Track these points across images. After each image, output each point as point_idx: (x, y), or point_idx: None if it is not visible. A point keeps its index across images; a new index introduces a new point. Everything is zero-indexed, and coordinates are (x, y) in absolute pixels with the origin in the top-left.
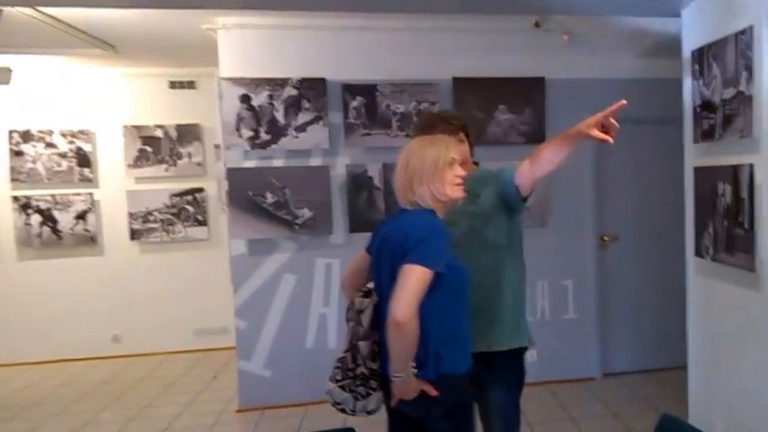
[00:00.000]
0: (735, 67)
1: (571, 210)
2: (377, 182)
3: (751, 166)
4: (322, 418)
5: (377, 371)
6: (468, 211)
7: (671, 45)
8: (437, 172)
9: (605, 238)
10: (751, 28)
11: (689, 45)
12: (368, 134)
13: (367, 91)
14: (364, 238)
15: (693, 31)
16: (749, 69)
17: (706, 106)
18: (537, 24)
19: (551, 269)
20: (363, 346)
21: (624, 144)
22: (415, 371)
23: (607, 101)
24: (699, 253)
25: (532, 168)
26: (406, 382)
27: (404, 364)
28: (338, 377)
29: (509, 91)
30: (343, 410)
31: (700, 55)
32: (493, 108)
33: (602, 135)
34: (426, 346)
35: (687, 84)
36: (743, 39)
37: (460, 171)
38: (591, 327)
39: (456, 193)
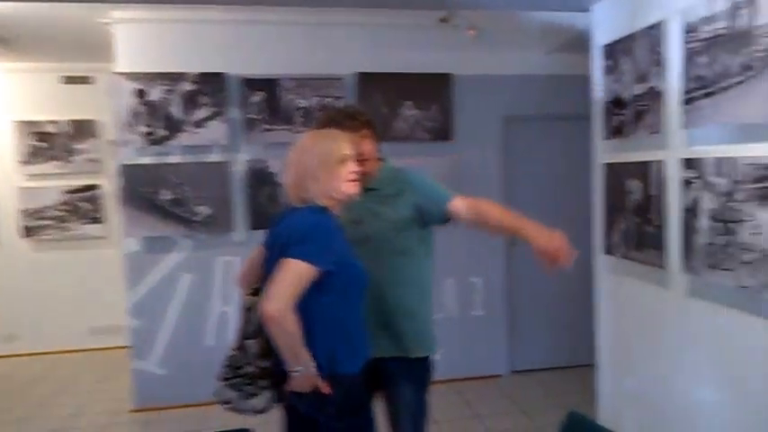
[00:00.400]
0: (646, 62)
1: None
2: (279, 178)
3: (660, 162)
4: (220, 418)
5: (267, 369)
6: (374, 211)
7: (581, 41)
8: (330, 169)
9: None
10: (661, 23)
11: (599, 40)
12: (269, 130)
13: (268, 86)
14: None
15: (603, 27)
16: (660, 64)
17: (616, 102)
18: (443, 20)
19: (460, 266)
20: (252, 344)
21: (534, 141)
22: (314, 365)
23: (516, 97)
24: (608, 250)
25: (471, 218)
26: (303, 375)
27: (293, 358)
28: (227, 375)
29: (415, 87)
30: (232, 409)
31: (610, 50)
32: (398, 104)
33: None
34: (319, 344)
35: (597, 80)
36: (654, 34)
37: (354, 167)
38: (499, 324)
39: (350, 189)
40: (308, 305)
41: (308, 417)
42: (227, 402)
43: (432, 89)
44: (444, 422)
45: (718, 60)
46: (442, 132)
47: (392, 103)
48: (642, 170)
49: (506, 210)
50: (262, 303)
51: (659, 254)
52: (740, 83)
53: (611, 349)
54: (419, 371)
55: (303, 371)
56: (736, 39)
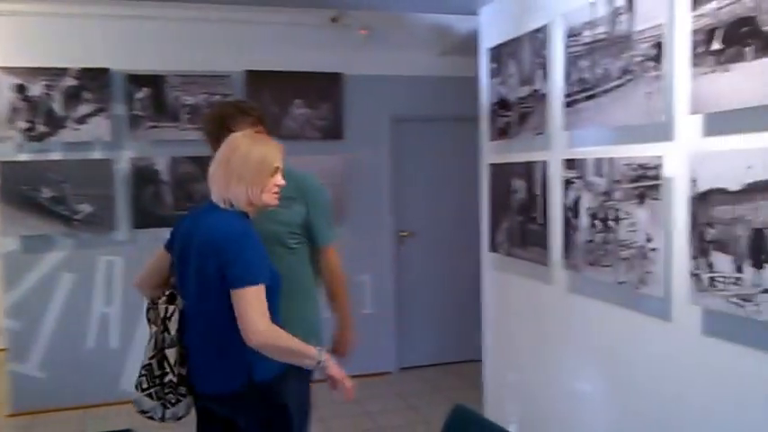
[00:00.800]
0: (530, 65)
1: (369, 206)
2: (164, 176)
3: (544, 162)
4: (102, 419)
5: (184, 376)
6: (272, 217)
7: (470, 43)
8: (259, 177)
9: (403, 233)
10: (546, 27)
11: (486, 43)
12: (155, 127)
13: (154, 82)
14: (150, 235)
15: (490, 30)
16: (544, 68)
17: (502, 104)
18: (334, 19)
19: (348, 265)
20: (171, 353)
21: (423, 141)
22: (324, 353)
23: (406, 98)
24: (494, 248)
25: (325, 272)
26: (326, 364)
27: (302, 359)
28: (144, 385)
29: (305, 86)
30: (151, 418)
31: (496, 53)
32: (288, 102)
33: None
34: (235, 355)
35: (483, 82)
36: (538, 38)
37: (281, 181)
38: (388, 321)
39: (271, 201)
40: (223, 315)
41: (226, 419)
42: (146, 412)
43: (322, 88)
44: (333, 419)
45: (599, 64)
46: (333, 131)
47: (282, 102)
48: (527, 170)
49: (345, 297)
50: (247, 339)
51: (543, 251)
52: (620, 86)
53: (497, 344)
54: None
55: (323, 363)
56: (616, 44)
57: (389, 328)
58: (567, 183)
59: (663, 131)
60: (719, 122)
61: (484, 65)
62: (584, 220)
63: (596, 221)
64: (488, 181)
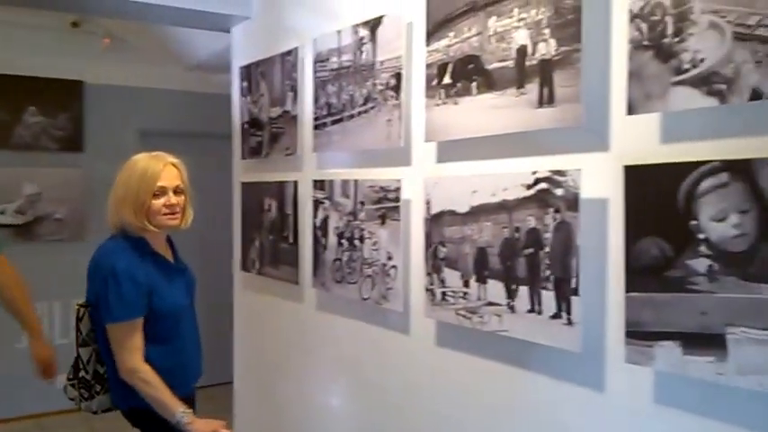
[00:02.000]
0: (281, 86)
1: None
2: None
3: (295, 182)
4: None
5: (101, 375)
6: None
7: (222, 60)
8: (138, 198)
9: None
10: (296, 49)
11: (238, 61)
12: None
13: None
14: None
15: (242, 48)
16: (294, 90)
17: (254, 123)
18: (75, 24)
19: (65, 288)
20: (83, 352)
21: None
22: (186, 418)
23: (154, 111)
24: (245, 267)
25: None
26: (186, 428)
27: (161, 410)
28: (70, 375)
29: (41, 92)
30: (78, 407)
31: (248, 72)
32: (21, 109)
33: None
34: (113, 376)
35: (236, 100)
36: (289, 59)
37: (172, 200)
38: None
39: (165, 222)
40: (107, 341)
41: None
42: (72, 399)
43: (61, 96)
44: None
45: (345, 90)
46: (72, 143)
47: (13, 108)
48: (278, 190)
49: (27, 297)
50: (118, 371)
51: (293, 270)
52: (364, 112)
53: (247, 365)
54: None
55: (181, 423)
56: (361, 71)
57: None
58: (317, 203)
59: (402, 157)
60: (450, 150)
61: (236, 83)
62: (332, 239)
63: (343, 240)
64: (240, 199)
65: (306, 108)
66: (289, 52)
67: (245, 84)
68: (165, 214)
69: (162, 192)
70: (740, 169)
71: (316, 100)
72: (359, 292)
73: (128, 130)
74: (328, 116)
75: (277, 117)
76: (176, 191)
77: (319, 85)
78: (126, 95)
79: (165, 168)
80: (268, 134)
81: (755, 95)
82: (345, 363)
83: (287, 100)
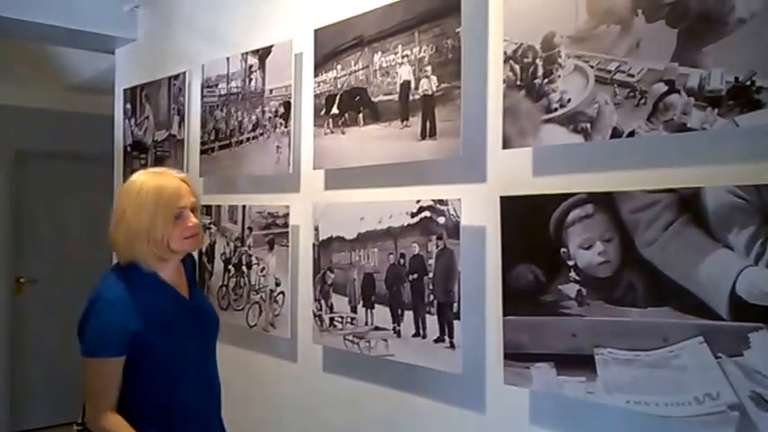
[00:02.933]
0: (167, 110)
1: None
2: None
3: None
4: None
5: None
6: None
7: (105, 81)
8: (156, 226)
9: (22, 279)
10: (184, 74)
11: (122, 83)
12: None
13: None
14: None
15: (127, 70)
16: (181, 114)
17: (137, 146)
18: None
19: None
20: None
21: (51, 179)
22: None
23: (32, 131)
24: None
25: None
26: None
27: None
28: (78, 420)
29: None
30: None
31: (132, 95)
32: None
33: None
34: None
35: (118, 122)
36: (176, 83)
37: (193, 220)
38: None
39: (185, 246)
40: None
41: None
42: None
43: None
44: None
45: (233, 116)
46: None
47: None
48: None
49: None
50: None
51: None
52: (253, 138)
53: None
54: None
55: None
56: (250, 98)
57: (1, 389)
58: (205, 229)
59: (290, 183)
60: (338, 178)
61: (119, 105)
62: (218, 265)
63: (230, 267)
64: None
65: (193, 132)
66: (176, 76)
67: (128, 106)
68: (187, 238)
69: (180, 214)
70: (603, 201)
71: (203, 125)
72: (246, 319)
73: (2, 150)
74: (216, 141)
75: (162, 140)
76: (193, 209)
77: (207, 110)
78: (1, 114)
79: (179, 186)
80: (152, 157)
81: (616, 134)
82: (231, 392)
83: (173, 123)
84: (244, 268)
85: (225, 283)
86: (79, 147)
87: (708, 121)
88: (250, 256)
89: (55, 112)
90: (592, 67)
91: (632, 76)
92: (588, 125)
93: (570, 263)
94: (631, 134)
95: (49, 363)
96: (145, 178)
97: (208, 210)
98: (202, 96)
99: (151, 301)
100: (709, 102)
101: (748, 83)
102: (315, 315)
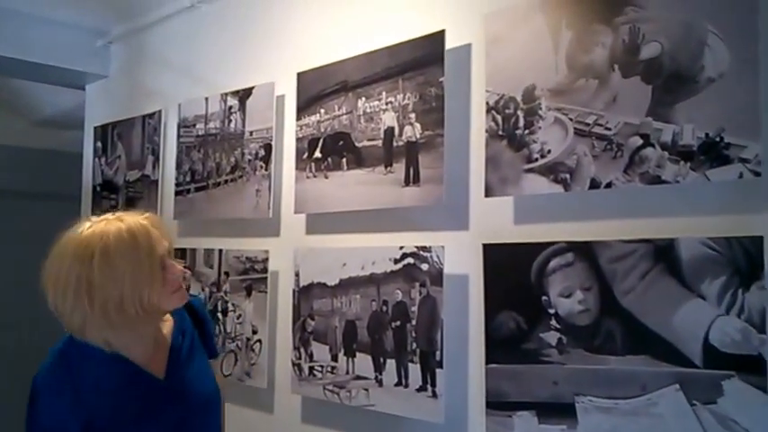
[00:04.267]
0: (141, 149)
1: None
2: None
3: None
4: None
5: None
6: None
7: (74, 117)
8: (144, 289)
9: None
10: (159, 113)
11: (92, 121)
12: None
13: None
14: None
15: (98, 108)
16: (155, 154)
17: (107, 186)
18: None
19: None
20: None
21: (17, 220)
22: None
23: None
24: None
25: None
26: None
27: None
28: None
29: None
30: None
31: (103, 133)
32: None
33: None
34: None
35: (88, 161)
36: (151, 122)
37: (178, 267)
38: None
39: (175, 302)
40: None
41: None
42: None
43: None
44: None
45: (211, 157)
46: None
47: None
48: None
49: None
50: None
51: None
52: (232, 181)
53: None
54: None
55: None
56: (228, 140)
57: None
58: None
59: (270, 227)
60: (320, 223)
61: (89, 143)
62: None
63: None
64: None
65: (168, 173)
66: (151, 115)
67: (99, 144)
68: (175, 292)
69: (164, 264)
70: (583, 250)
71: (179, 165)
72: (220, 368)
73: None
74: (192, 182)
75: (134, 181)
76: (169, 254)
77: (183, 150)
78: None
79: (153, 229)
80: (123, 198)
81: (594, 184)
82: None
83: (147, 163)
84: (219, 315)
85: None
86: (46, 185)
87: (681, 174)
88: (226, 302)
89: (18, 149)
90: (571, 119)
91: (609, 129)
92: (568, 175)
93: (551, 311)
94: (609, 185)
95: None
96: (101, 228)
97: (182, 253)
98: (179, 136)
99: (106, 389)
100: (682, 156)
101: (718, 139)
102: (294, 364)
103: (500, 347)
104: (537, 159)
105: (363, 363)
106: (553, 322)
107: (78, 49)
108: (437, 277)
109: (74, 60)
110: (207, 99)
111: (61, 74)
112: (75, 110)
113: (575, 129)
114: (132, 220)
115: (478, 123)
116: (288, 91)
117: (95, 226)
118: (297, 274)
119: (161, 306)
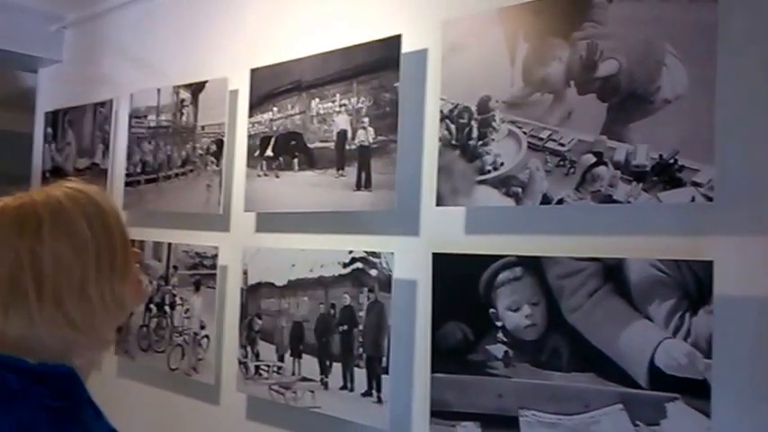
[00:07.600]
0: (91, 137)
1: None
2: None
3: None
4: None
5: None
6: None
7: (26, 99)
8: (115, 266)
9: None
10: (111, 101)
11: (44, 105)
12: None
13: None
14: None
15: (50, 92)
16: (106, 143)
17: (56, 172)
18: None
19: None
20: None
21: None
22: None
23: None
24: None
25: None
26: None
27: None
28: None
29: None
30: None
31: (54, 119)
32: None
33: None
34: None
35: (38, 146)
36: (102, 111)
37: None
38: None
39: (139, 300)
40: None
41: None
42: None
43: None
44: None
45: (162, 149)
46: None
47: None
48: None
49: None
50: None
51: None
52: (182, 174)
53: None
54: None
55: None
56: (180, 133)
57: None
58: None
59: (220, 223)
60: (270, 221)
61: (39, 128)
62: None
63: (152, 306)
64: None
65: (118, 163)
66: (102, 103)
67: (49, 130)
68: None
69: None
70: (531, 265)
71: (129, 156)
72: (167, 361)
73: None
74: (142, 174)
75: (84, 168)
76: None
77: (134, 141)
78: None
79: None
80: None
81: (546, 200)
82: None
83: (97, 152)
84: (167, 308)
85: (146, 323)
86: None
87: (632, 194)
88: (174, 296)
89: None
90: (525, 133)
91: (563, 145)
92: (520, 189)
93: (498, 324)
94: (560, 201)
95: None
96: (40, 194)
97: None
98: (130, 126)
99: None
100: (635, 176)
101: (671, 161)
102: (240, 362)
103: (446, 357)
104: (490, 171)
105: (309, 365)
106: (500, 335)
107: (31, 33)
108: (386, 283)
109: (26, 44)
110: (159, 90)
111: (14, 57)
112: (28, 92)
113: (528, 143)
114: (80, 184)
115: (432, 131)
116: (241, 87)
117: (25, 195)
118: (245, 273)
119: (125, 300)
